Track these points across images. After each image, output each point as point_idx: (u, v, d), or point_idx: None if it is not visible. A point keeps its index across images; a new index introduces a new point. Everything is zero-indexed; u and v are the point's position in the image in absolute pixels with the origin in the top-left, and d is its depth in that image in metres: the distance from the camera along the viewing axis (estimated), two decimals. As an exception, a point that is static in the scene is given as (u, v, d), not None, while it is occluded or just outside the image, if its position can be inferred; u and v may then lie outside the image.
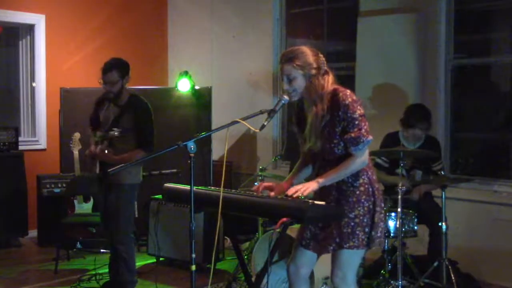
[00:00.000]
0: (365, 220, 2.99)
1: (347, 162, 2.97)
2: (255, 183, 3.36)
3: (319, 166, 3.13)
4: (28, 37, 6.76)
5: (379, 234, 3.04)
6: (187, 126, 6.39)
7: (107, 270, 4.65)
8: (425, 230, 4.78)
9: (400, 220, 4.25)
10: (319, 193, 3.04)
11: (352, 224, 2.98)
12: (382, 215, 3.06)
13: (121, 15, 7.38)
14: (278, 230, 2.97)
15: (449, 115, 5.47)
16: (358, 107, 2.95)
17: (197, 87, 6.46)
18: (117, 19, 7.33)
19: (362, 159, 2.98)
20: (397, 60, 5.56)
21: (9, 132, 6.20)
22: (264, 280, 3.16)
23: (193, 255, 2.84)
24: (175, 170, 5.54)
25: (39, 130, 6.77)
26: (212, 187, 3.28)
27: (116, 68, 4.27)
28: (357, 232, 2.98)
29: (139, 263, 5.27)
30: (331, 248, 3.02)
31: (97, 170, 4.32)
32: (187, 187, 2.91)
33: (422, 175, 4.82)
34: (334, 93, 2.98)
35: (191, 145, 2.80)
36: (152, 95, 5.78)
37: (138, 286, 4.66)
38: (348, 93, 2.97)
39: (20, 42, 6.79)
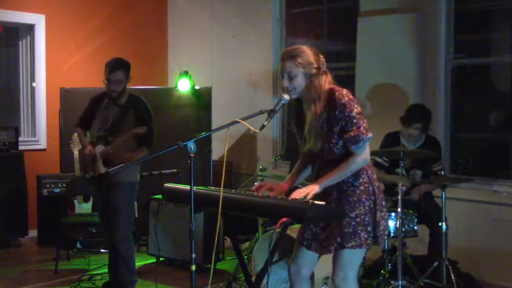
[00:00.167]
0: (366, 219, 2.99)
1: (347, 161, 2.97)
2: (255, 183, 3.36)
3: (318, 166, 3.14)
4: (28, 37, 6.76)
5: (382, 232, 3.04)
6: (187, 126, 6.39)
7: (106, 270, 4.65)
8: (425, 230, 4.78)
9: (400, 220, 4.25)
10: (320, 193, 3.03)
11: (354, 223, 2.98)
12: (383, 213, 3.06)
13: (121, 15, 7.38)
14: (278, 230, 2.97)
15: (449, 115, 5.47)
16: (355, 105, 2.96)
17: (197, 87, 6.46)
18: (117, 19, 7.33)
19: (363, 157, 2.98)
20: (397, 60, 5.56)
21: (9, 132, 6.20)
22: (264, 280, 3.16)
23: (193, 255, 2.84)
24: (175, 170, 5.53)
25: (39, 130, 6.77)
26: (212, 187, 3.28)
27: (122, 67, 4.30)
28: (359, 231, 2.98)
29: (139, 263, 5.27)
30: (333, 248, 3.02)
31: (101, 170, 4.31)
32: (187, 187, 2.91)
33: (422, 175, 4.83)
34: (331, 92, 2.99)
35: (191, 145, 2.80)
36: (152, 95, 5.79)
37: (138, 286, 4.66)
38: (344, 92, 2.98)
39: (20, 42, 6.79)
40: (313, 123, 3.02)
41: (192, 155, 2.81)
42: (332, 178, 2.99)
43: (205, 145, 6.22)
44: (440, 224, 4.35)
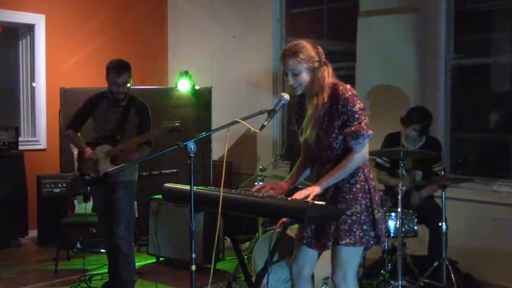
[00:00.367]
0: (362, 217, 2.99)
1: (346, 159, 2.98)
2: (255, 183, 3.36)
3: (318, 164, 3.14)
4: (28, 37, 6.76)
5: (382, 231, 3.04)
6: (187, 126, 6.38)
7: (106, 270, 4.65)
8: (425, 230, 4.78)
9: (400, 220, 4.24)
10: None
11: (349, 221, 2.98)
12: (381, 213, 3.07)
13: (121, 15, 7.38)
14: (278, 230, 2.97)
15: (449, 115, 5.46)
16: (358, 101, 2.97)
17: (197, 87, 6.46)
18: (117, 19, 7.34)
19: (361, 154, 2.99)
20: (397, 60, 5.56)
21: (9, 132, 6.21)
22: (264, 280, 3.16)
23: (193, 255, 2.84)
24: (175, 170, 5.54)
25: (39, 130, 6.77)
26: (212, 187, 3.28)
27: (128, 69, 4.35)
28: (354, 229, 2.98)
29: (139, 263, 5.27)
30: (330, 243, 3.02)
31: (108, 169, 4.30)
32: (187, 187, 2.91)
33: (422, 176, 4.82)
34: (334, 86, 3.01)
35: (191, 145, 2.80)
36: (152, 95, 5.79)
37: (138, 286, 4.66)
38: (348, 87, 2.99)
39: (20, 42, 6.79)
40: (313, 113, 3.02)
41: (192, 155, 2.81)
42: (332, 178, 2.99)
43: (205, 145, 6.22)
44: (440, 224, 4.35)
